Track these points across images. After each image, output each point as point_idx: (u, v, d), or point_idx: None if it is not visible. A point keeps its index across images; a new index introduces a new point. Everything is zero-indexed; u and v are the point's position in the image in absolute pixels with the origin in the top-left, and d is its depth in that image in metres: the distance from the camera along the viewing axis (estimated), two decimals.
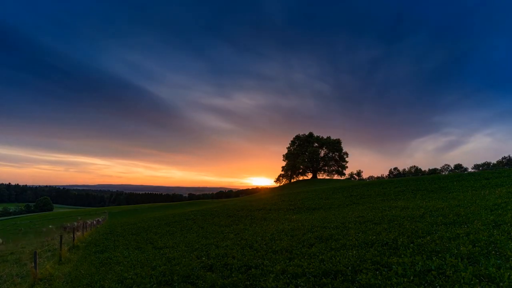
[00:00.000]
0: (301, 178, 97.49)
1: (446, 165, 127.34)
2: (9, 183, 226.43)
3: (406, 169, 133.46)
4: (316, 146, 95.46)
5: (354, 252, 7.38)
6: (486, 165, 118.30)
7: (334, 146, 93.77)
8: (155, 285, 7.17)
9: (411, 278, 5.19)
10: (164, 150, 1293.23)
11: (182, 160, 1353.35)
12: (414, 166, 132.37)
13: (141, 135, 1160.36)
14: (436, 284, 4.79)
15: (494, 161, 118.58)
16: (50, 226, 45.07)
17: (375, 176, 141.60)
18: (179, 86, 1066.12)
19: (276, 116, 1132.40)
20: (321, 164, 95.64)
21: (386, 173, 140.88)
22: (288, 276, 6.39)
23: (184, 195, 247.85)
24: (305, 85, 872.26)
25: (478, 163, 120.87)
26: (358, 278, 5.58)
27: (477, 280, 4.68)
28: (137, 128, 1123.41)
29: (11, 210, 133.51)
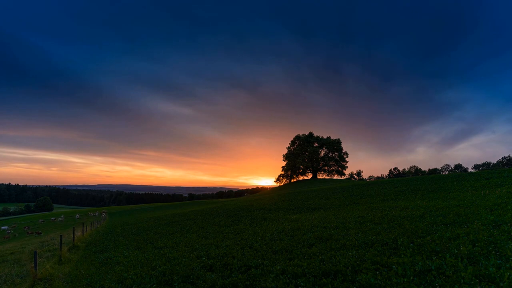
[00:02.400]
0: (301, 178, 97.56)
1: (446, 165, 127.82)
2: (9, 183, 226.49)
3: (406, 169, 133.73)
4: (316, 146, 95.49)
5: (354, 252, 7.37)
6: (486, 165, 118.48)
7: (334, 146, 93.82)
8: (155, 285, 7.16)
9: (411, 278, 5.19)
10: (125, 144, 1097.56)
11: (157, 157, 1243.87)
12: (414, 166, 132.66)
13: (79, 122, 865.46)
14: (436, 284, 4.78)
15: (494, 161, 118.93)
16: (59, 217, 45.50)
17: (375, 176, 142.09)
18: (73, 37, 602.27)
19: (239, 96, 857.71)
20: (321, 164, 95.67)
21: (386, 173, 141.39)
22: (288, 276, 6.39)
23: (184, 195, 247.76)
24: (260, 38, 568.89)
25: (478, 163, 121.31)
26: (358, 278, 5.57)
27: (477, 280, 4.68)
28: (68, 111, 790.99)
29: (11, 210, 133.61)
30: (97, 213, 54.95)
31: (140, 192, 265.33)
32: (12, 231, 41.42)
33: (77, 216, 59.21)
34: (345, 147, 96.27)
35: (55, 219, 56.06)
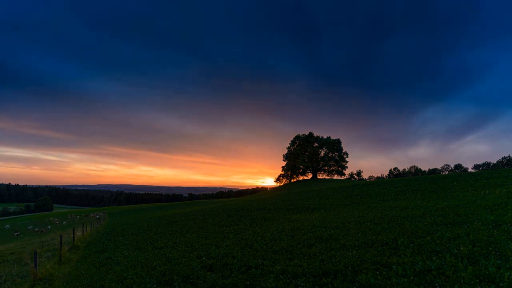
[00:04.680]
0: (301, 178, 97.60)
1: (446, 165, 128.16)
2: (9, 183, 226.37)
3: (406, 169, 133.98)
4: (316, 146, 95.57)
5: (354, 252, 7.37)
6: (486, 165, 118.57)
7: (334, 146, 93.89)
8: (155, 285, 7.17)
9: (411, 278, 5.19)
10: (90, 139, 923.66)
11: (138, 154, 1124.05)
12: (414, 166, 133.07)
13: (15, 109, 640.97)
14: (436, 284, 4.78)
15: (494, 161, 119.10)
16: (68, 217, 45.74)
17: (375, 176, 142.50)
18: None
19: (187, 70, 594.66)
20: (321, 164, 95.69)
21: (386, 172, 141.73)
22: (288, 276, 6.39)
23: (184, 195, 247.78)
24: None
25: (482, 162, 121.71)
26: (358, 278, 5.58)
27: (477, 280, 4.68)
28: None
29: (11, 210, 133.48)
30: (93, 214, 58.68)
31: (140, 192, 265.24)
32: (15, 233, 41.43)
33: (69, 216, 59.49)
34: (342, 144, 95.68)
35: (56, 221, 56.15)
